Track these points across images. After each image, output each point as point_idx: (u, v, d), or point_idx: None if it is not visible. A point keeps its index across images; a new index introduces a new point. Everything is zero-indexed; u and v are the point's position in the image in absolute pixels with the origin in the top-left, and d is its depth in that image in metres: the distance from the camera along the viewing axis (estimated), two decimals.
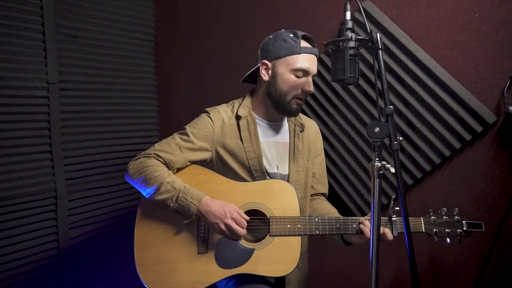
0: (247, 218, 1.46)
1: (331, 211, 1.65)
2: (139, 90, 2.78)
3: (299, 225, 1.48)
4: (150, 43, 2.83)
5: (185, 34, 2.85)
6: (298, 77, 1.53)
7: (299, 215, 1.51)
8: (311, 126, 1.76)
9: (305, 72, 1.52)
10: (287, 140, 1.67)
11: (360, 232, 1.44)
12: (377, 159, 1.14)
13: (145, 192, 1.49)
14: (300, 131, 1.67)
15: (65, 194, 2.28)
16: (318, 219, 1.49)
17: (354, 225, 1.48)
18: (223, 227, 1.42)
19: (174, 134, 1.61)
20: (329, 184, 2.23)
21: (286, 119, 1.69)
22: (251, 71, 1.64)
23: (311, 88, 1.53)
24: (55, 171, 2.24)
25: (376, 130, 1.13)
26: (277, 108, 1.59)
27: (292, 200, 1.52)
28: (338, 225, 1.48)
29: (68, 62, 2.32)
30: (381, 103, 1.17)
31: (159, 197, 1.46)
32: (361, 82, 2.14)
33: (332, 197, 1.78)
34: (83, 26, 2.38)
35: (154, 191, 1.46)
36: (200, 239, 1.49)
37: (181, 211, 1.46)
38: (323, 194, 1.78)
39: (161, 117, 2.90)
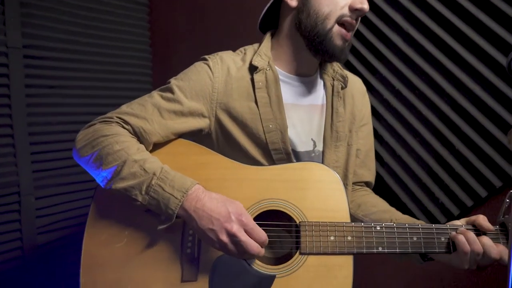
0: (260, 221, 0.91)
1: (387, 208, 1.12)
2: (131, 64, 2.36)
3: (349, 238, 0.92)
4: (144, 7, 2.44)
5: None
6: None
7: (349, 220, 0.94)
8: (356, 83, 1.24)
9: None
10: (323, 101, 1.15)
11: (452, 249, 0.90)
12: None
13: (100, 178, 0.95)
14: (342, 88, 1.14)
15: (31, 190, 1.89)
16: (381, 227, 0.91)
17: (443, 239, 0.90)
18: (224, 237, 0.85)
19: (153, 91, 1.06)
20: (380, 176, 1.64)
21: (319, 72, 1.17)
22: (270, 2, 1.10)
23: (365, 4, 0.98)
24: (18, 160, 1.85)
25: None
26: (312, 46, 1.04)
27: (337, 197, 0.97)
28: (415, 238, 0.90)
29: (35, 22, 1.89)
30: None
31: (119, 184, 0.91)
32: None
33: (383, 195, 1.24)
34: None
35: (112, 174, 0.92)
36: (185, 258, 0.93)
37: (155, 209, 0.91)
38: (367, 184, 1.25)
39: None
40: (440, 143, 1.61)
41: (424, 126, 1.65)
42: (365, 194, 1.21)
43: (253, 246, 0.85)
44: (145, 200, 0.89)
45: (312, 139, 1.11)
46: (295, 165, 1.01)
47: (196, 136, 1.06)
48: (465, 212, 1.58)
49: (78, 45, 2.04)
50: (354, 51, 1.80)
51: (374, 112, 1.71)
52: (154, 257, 0.93)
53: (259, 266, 0.92)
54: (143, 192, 0.89)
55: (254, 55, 1.09)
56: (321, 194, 0.97)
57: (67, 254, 1.99)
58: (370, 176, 1.24)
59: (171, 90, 1.04)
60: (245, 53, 1.13)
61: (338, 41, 1.01)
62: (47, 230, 1.97)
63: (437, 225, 0.92)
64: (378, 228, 0.92)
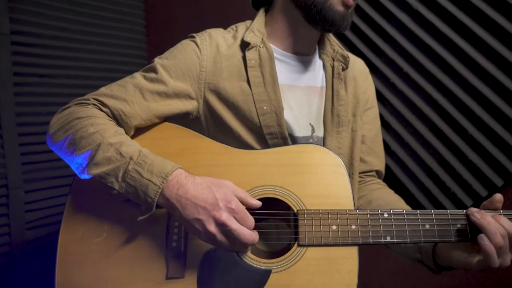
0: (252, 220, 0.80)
1: (403, 208, 1.00)
2: (125, 54, 2.23)
3: (353, 227, 0.82)
4: None
5: None
6: None
7: (353, 208, 0.85)
8: (357, 64, 1.15)
9: None
10: (322, 83, 1.05)
11: (471, 237, 0.79)
12: None
13: (75, 165, 0.86)
14: (343, 69, 1.05)
15: (19, 183, 1.80)
16: (389, 214, 0.82)
17: (459, 225, 0.81)
18: (212, 228, 0.76)
19: (136, 72, 0.97)
20: (386, 166, 1.56)
21: (318, 52, 1.08)
22: None
23: None
24: (6, 152, 1.74)
25: None
26: (309, 16, 0.95)
27: (339, 182, 0.87)
28: (428, 226, 0.80)
29: (24, 7, 1.80)
30: None
31: (94, 171, 0.81)
32: None
33: (390, 186, 1.16)
34: None
35: (87, 160, 0.83)
36: (171, 253, 0.84)
37: (134, 198, 0.81)
38: (377, 173, 1.15)
39: None
40: (452, 129, 1.52)
41: (434, 111, 1.57)
42: (378, 188, 1.10)
43: (246, 234, 0.76)
44: (122, 188, 0.80)
45: (310, 124, 1.02)
46: (292, 148, 0.92)
47: (183, 120, 0.97)
48: (479, 203, 1.48)
49: (69, 33, 1.95)
50: (357, 30, 1.71)
51: (380, 97, 1.63)
52: (136, 253, 0.84)
53: (253, 260, 0.83)
54: (120, 179, 0.80)
55: (246, 31, 1.00)
56: (322, 179, 0.87)
57: (57, 250, 1.96)
58: (379, 164, 1.14)
59: (154, 70, 0.95)
60: (236, 30, 1.04)
61: (339, 7, 0.91)
62: (37, 225, 1.89)
63: (452, 211, 0.82)
64: (386, 215, 0.82)
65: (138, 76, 0.94)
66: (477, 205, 1.49)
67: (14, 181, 1.76)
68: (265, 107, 0.95)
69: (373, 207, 1.02)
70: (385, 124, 1.65)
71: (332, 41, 1.07)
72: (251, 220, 0.78)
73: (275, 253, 0.89)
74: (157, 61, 0.96)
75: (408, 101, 1.60)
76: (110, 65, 2.14)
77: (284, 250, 0.85)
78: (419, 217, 0.82)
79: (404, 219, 0.82)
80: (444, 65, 1.51)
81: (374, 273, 1.69)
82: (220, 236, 0.76)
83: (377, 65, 1.65)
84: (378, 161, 1.14)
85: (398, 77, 1.62)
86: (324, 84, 1.05)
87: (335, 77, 1.04)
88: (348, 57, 1.06)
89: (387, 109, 1.65)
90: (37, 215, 1.87)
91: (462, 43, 1.46)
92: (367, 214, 0.83)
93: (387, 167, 1.61)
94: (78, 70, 2.01)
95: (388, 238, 0.81)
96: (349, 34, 1.71)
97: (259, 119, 0.95)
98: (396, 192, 1.09)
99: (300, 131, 0.99)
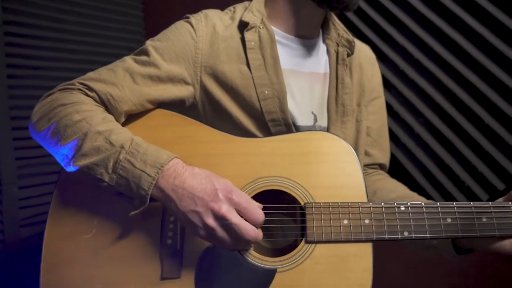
0: (261, 206, 0.74)
1: (408, 194, 0.97)
2: (122, 47, 2.16)
3: (367, 221, 0.75)
4: None
5: None
6: None
7: (366, 200, 0.78)
8: (363, 50, 1.10)
9: None
10: (325, 69, 1.00)
11: (498, 231, 0.74)
12: None
13: (60, 157, 0.80)
14: (348, 55, 0.99)
15: (13, 179, 1.76)
16: (406, 207, 0.75)
17: (485, 219, 0.75)
18: (211, 221, 0.69)
19: (126, 56, 0.91)
20: (395, 158, 1.52)
21: (322, 37, 1.02)
22: None
23: None
24: None
25: None
26: None
27: (350, 171, 0.81)
28: (450, 220, 0.74)
29: None
30: None
31: (81, 162, 0.75)
32: None
33: (398, 179, 1.10)
34: None
35: (72, 150, 0.76)
36: (166, 250, 0.77)
37: (126, 191, 0.75)
38: (381, 167, 1.10)
39: None
40: (466, 119, 1.44)
41: (447, 99, 1.50)
42: (381, 178, 1.06)
43: (248, 230, 0.69)
44: (113, 180, 0.73)
45: (312, 113, 0.96)
46: (297, 135, 0.85)
47: (178, 108, 0.90)
48: (495, 197, 1.43)
49: (65, 24, 1.90)
50: (363, 15, 1.65)
51: (388, 85, 1.58)
52: (128, 251, 0.77)
53: (256, 258, 0.75)
54: (110, 170, 0.73)
55: (244, 12, 0.94)
56: (331, 169, 0.80)
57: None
58: (384, 157, 1.09)
59: (146, 53, 0.88)
60: (234, 11, 0.98)
61: None
62: (31, 223, 1.85)
63: (477, 203, 0.74)
64: (403, 208, 0.75)
65: (128, 60, 0.88)
66: (493, 199, 1.42)
67: (7, 176, 1.73)
68: (266, 92, 0.89)
69: (379, 197, 0.98)
70: (394, 114, 1.59)
71: (337, 25, 1.01)
72: (257, 213, 0.71)
73: (281, 250, 0.82)
74: (149, 43, 0.90)
75: (419, 89, 1.55)
76: (107, 58, 2.02)
77: (290, 248, 0.78)
78: (439, 210, 0.75)
79: (423, 212, 0.75)
80: (459, 51, 1.45)
81: (382, 273, 1.62)
82: (219, 231, 0.69)
83: (385, 52, 1.59)
84: (383, 154, 1.09)
85: (409, 65, 1.56)
86: (328, 71, 0.99)
87: (340, 63, 0.98)
88: (354, 42, 1.00)
89: (397, 98, 1.60)
90: (32, 212, 1.83)
91: (478, 26, 1.39)
92: (381, 207, 0.75)
93: (396, 160, 1.55)
94: (74, 63, 1.95)
95: (406, 234, 0.74)
96: (355, 19, 1.65)
97: (260, 105, 0.88)
98: (405, 184, 1.04)
99: (302, 119, 0.93)
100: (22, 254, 1.80)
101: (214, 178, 0.72)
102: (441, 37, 1.47)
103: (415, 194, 0.95)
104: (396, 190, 0.98)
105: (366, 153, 1.05)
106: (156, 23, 2.33)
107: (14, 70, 1.73)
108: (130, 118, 0.86)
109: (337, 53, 0.98)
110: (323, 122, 0.96)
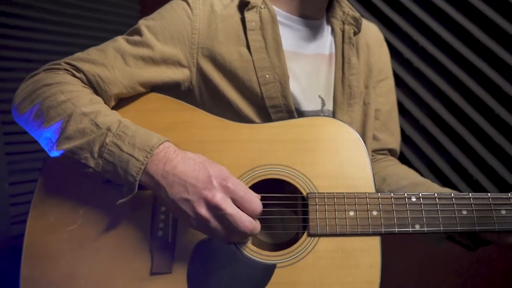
0: (259, 196, 0.69)
1: (420, 180, 0.92)
2: (117, 30, 2.12)
3: (374, 213, 0.70)
4: None
5: None
6: None
7: (374, 190, 0.73)
8: (370, 29, 1.05)
9: None
10: (331, 50, 0.95)
11: None
12: None
13: (44, 141, 0.75)
14: (354, 33, 0.94)
15: (4, 175, 1.73)
16: (418, 198, 0.70)
17: (504, 212, 0.69)
18: (203, 210, 0.64)
19: (118, 36, 0.86)
20: (400, 151, 1.45)
21: (327, 16, 0.97)
22: None
23: None
24: None
25: None
26: None
27: (357, 160, 0.75)
28: (465, 212, 0.70)
29: None
30: None
31: (65, 145, 0.70)
32: None
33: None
34: None
35: (56, 133, 0.71)
36: (156, 243, 0.72)
37: (113, 177, 0.69)
38: (391, 152, 1.05)
39: None
40: (475, 109, 1.39)
41: (455, 89, 1.44)
42: (391, 164, 1.01)
43: (244, 221, 0.64)
44: (99, 166, 0.67)
45: (319, 96, 0.91)
46: (300, 121, 0.79)
47: (173, 93, 0.85)
48: (505, 191, 1.39)
49: (58, 16, 1.88)
50: (366, 2, 1.58)
51: (393, 75, 1.51)
52: (115, 243, 0.72)
53: (254, 252, 0.70)
54: (96, 155, 0.67)
55: None
56: (336, 157, 0.75)
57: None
58: (394, 142, 1.04)
59: (138, 32, 0.83)
60: None
61: None
62: (22, 220, 1.78)
63: (495, 194, 0.69)
64: (414, 200, 0.69)
65: (120, 40, 0.83)
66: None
67: None
68: (267, 76, 0.83)
69: (388, 184, 0.93)
70: (398, 105, 1.54)
71: (342, 2, 0.96)
72: (254, 203, 0.65)
73: (281, 244, 0.77)
74: (142, 22, 0.85)
75: (425, 79, 1.50)
76: (103, 32, 2.04)
77: (291, 241, 0.73)
78: (454, 201, 0.69)
79: (436, 204, 0.69)
80: (467, 38, 1.40)
81: (390, 270, 1.58)
82: (213, 221, 0.64)
83: (389, 39, 1.54)
84: (392, 138, 1.04)
85: (414, 53, 1.51)
86: (333, 51, 0.94)
87: (346, 42, 0.92)
88: (361, 19, 0.95)
89: (401, 88, 1.56)
90: (23, 209, 1.78)
91: (489, 11, 1.33)
92: (391, 197, 0.70)
93: (400, 153, 1.51)
94: (67, 55, 1.93)
95: (417, 227, 0.68)
96: (358, 7, 1.59)
97: (260, 89, 0.83)
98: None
99: (308, 104, 0.88)
100: (13, 251, 1.71)
101: (208, 164, 0.66)
102: (448, 23, 1.43)
103: (427, 181, 0.90)
104: (407, 176, 0.93)
105: (375, 138, 1.00)
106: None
107: (4, 62, 1.68)
108: (121, 102, 0.81)
109: (342, 31, 0.93)
110: (331, 105, 0.91)
